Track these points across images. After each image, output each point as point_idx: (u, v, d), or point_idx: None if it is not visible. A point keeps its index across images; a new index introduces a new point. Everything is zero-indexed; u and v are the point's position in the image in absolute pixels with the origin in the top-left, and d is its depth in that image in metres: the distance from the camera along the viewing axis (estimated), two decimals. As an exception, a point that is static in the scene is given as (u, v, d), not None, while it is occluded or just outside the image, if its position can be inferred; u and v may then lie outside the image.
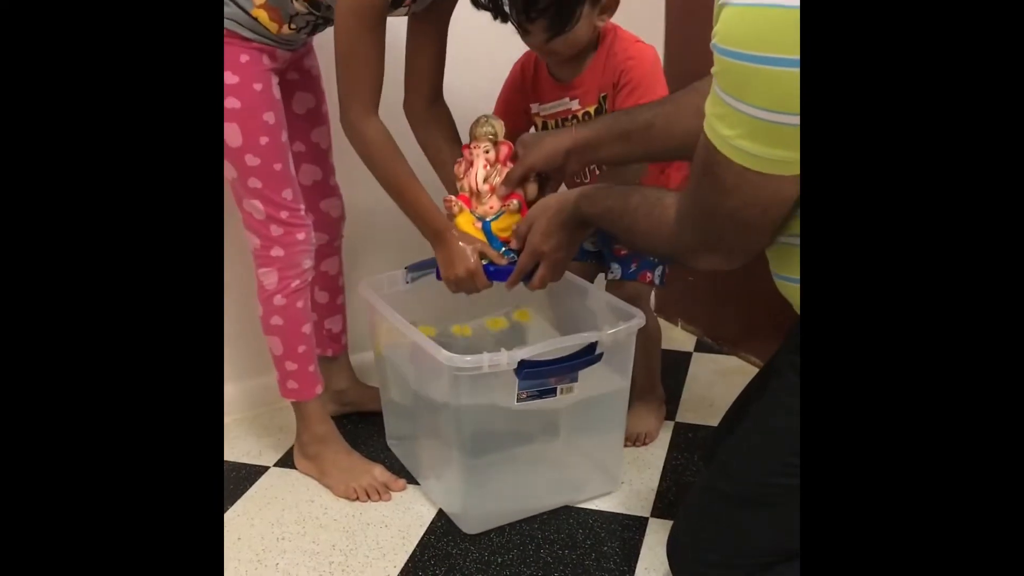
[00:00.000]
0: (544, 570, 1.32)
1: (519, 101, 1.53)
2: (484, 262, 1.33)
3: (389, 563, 1.35)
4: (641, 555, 1.35)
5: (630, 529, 1.41)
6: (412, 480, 1.54)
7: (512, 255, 1.33)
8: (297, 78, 1.49)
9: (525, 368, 1.26)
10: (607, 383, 1.40)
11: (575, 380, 1.32)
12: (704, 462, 1.42)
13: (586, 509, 1.46)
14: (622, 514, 1.45)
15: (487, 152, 1.34)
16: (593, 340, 1.31)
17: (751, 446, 1.12)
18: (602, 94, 1.45)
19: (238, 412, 1.77)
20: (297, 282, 1.43)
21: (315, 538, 1.41)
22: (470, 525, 1.41)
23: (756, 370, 1.62)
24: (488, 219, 1.35)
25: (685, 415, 1.74)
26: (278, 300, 1.43)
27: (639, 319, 1.35)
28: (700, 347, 2.03)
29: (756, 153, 0.87)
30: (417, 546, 1.38)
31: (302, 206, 1.42)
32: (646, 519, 1.44)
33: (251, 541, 1.40)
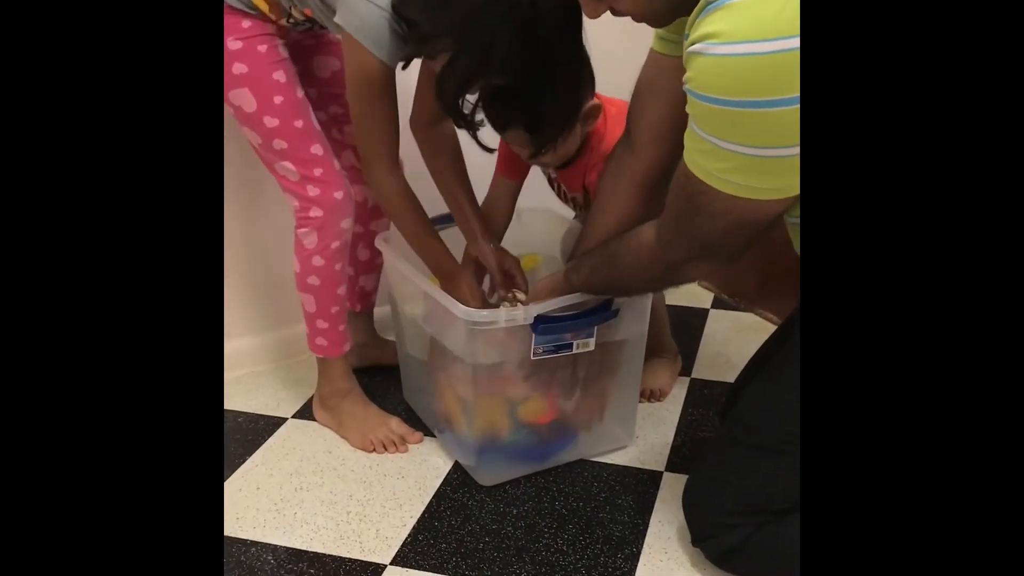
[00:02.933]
0: (559, 522, 1.34)
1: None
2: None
3: (406, 513, 1.36)
4: (655, 508, 1.36)
5: (644, 483, 1.42)
6: (428, 433, 1.56)
7: (528, 433, 1.41)
8: (314, 43, 1.48)
9: (541, 323, 1.26)
10: (623, 332, 1.39)
11: (591, 335, 1.32)
12: (721, 418, 1.43)
13: (601, 463, 1.48)
14: (636, 468, 1.46)
15: None
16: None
17: (769, 395, 1.13)
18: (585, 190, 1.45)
19: (257, 365, 1.79)
20: (337, 243, 1.42)
21: (333, 488, 1.43)
22: (485, 477, 1.42)
23: (773, 327, 1.63)
24: (516, 403, 1.40)
25: (701, 371, 1.74)
26: (316, 260, 1.43)
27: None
28: (717, 304, 2.03)
29: (747, 183, 0.89)
30: (433, 497, 1.40)
31: (335, 162, 1.40)
32: (660, 473, 1.45)
33: (270, 490, 1.42)
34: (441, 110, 1.23)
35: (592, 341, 1.33)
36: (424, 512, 1.37)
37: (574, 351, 1.33)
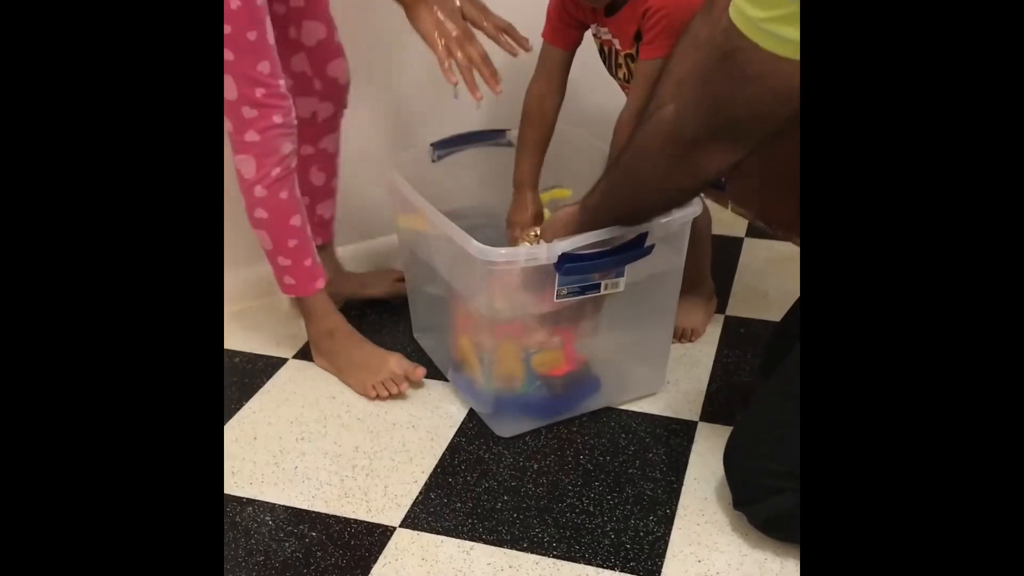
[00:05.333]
0: (584, 478, 1.22)
1: (571, 10, 1.36)
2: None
3: (417, 467, 1.25)
4: (690, 462, 1.25)
5: (677, 434, 1.30)
6: (441, 376, 1.43)
7: (540, 385, 1.32)
8: None
9: (566, 263, 1.12)
10: (656, 271, 1.26)
11: (621, 275, 1.19)
12: (761, 370, 1.30)
13: (629, 411, 1.35)
14: (668, 417, 1.34)
15: None
16: (643, 231, 1.16)
17: None
18: (636, 41, 1.29)
19: (256, 298, 1.64)
20: (278, 170, 1.29)
21: (337, 439, 1.31)
22: (503, 427, 1.30)
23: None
24: (531, 351, 1.28)
25: (736, 308, 1.61)
26: (259, 191, 1.30)
27: (695, 207, 1.20)
28: (752, 232, 1.87)
29: (793, 38, 0.79)
30: (447, 449, 1.28)
31: (280, 81, 1.26)
32: (695, 423, 1.33)
33: (268, 441, 1.31)
34: None
35: (622, 281, 1.20)
36: (436, 466, 1.25)
37: (602, 292, 1.20)
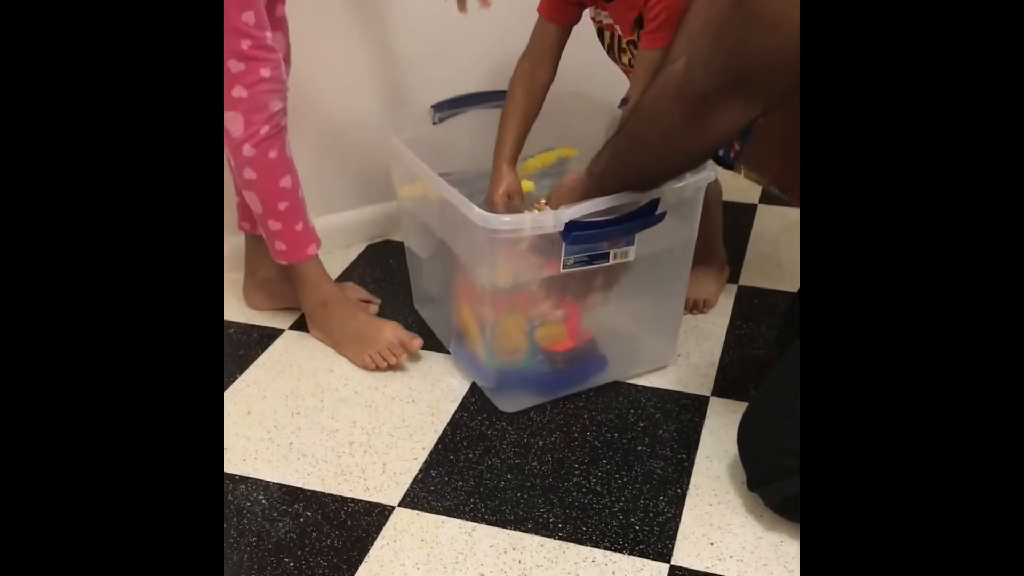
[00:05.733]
0: (591, 455, 1.17)
1: None
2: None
3: (417, 443, 1.20)
4: (702, 439, 1.20)
5: (688, 410, 1.25)
6: (443, 348, 1.38)
7: (542, 360, 1.27)
8: None
9: (573, 231, 1.07)
10: (668, 240, 1.20)
11: (631, 244, 1.13)
12: (777, 344, 1.25)
13: (638, 386, 1.30)
14: (679, 392, 1.29)
15: None
16: (654, 198, 1.10)
17: None
18: (638, 28, 1.23)
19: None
20: (267, 128, 1.23)
21: (334, 413, 1.26)
22: (507, 402, 1.25)
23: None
24: (535, 324, 1.24)
25: (750, 278, 1.55)
26: (247, 150, 1.24)
27: (709, 172, 1.15)
28: (766, 199, 1.81)
29: None
30: (448, 425, 1.24)
31: (267, 32, 1.20)
32: (707, 398, 1.27)
33: (262, 416, 1.26)
34: None
35: (632, 250, 1.14)
36: (437, 443, 1.20)
37: (610, 261, 1.14)
